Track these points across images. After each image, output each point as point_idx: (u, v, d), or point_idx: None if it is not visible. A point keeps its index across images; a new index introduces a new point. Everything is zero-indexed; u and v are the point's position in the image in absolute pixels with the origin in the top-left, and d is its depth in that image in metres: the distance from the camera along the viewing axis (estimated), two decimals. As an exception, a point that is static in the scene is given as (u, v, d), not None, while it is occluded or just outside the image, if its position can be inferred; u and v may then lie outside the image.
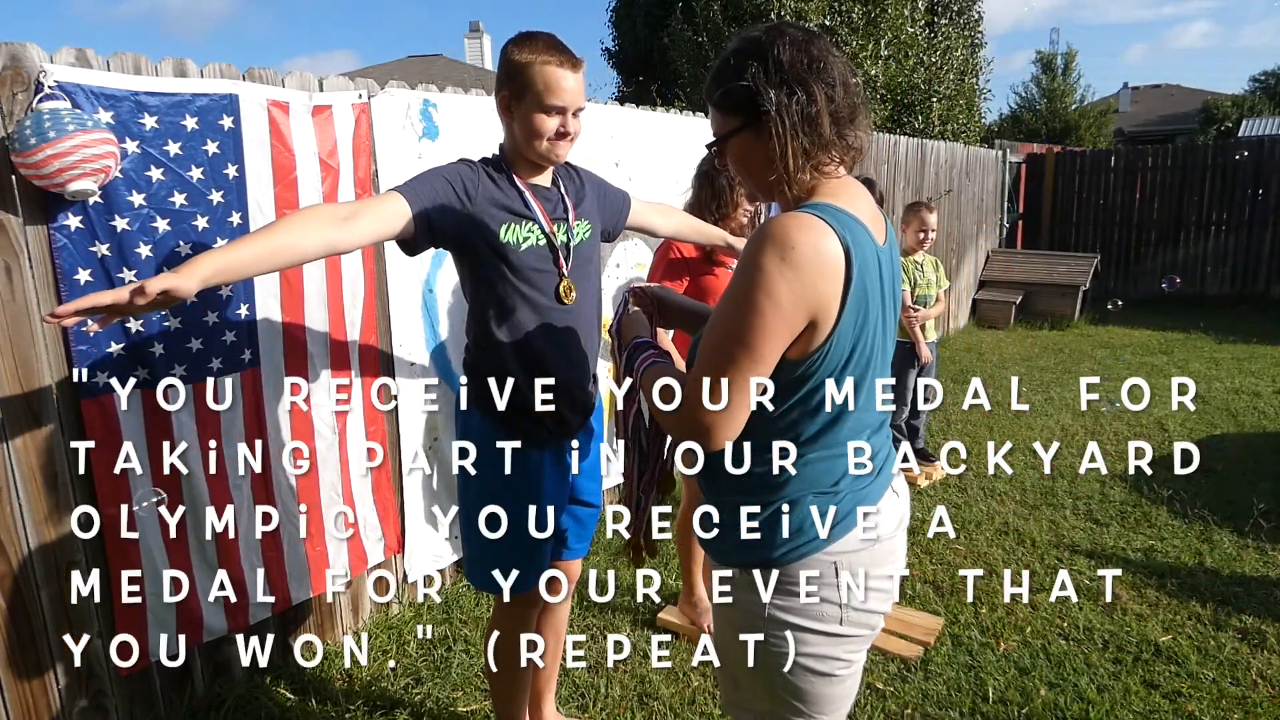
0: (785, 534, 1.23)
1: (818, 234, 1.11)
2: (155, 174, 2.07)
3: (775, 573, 1.23)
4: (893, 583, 1.30)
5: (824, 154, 1.19)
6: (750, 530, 1.25)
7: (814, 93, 1.17)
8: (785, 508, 1.23)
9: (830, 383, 1.18)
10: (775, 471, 1.23)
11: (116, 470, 2.07)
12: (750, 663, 1.27)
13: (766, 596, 1.24)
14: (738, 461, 1.25)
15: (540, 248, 1.77)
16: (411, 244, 1.66)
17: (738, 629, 1.27)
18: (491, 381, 1.79)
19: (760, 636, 1.25)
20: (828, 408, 1.19)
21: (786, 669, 1.25)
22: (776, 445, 1.22)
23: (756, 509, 1.24)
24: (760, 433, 1.21)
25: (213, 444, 2.28)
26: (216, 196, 2.20)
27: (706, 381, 1.14)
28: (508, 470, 1.81)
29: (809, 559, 1.22)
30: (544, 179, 1.82)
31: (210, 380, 2.24)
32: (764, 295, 1.10)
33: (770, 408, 1.19)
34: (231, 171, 2.22)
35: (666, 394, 1.19)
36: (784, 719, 1.30)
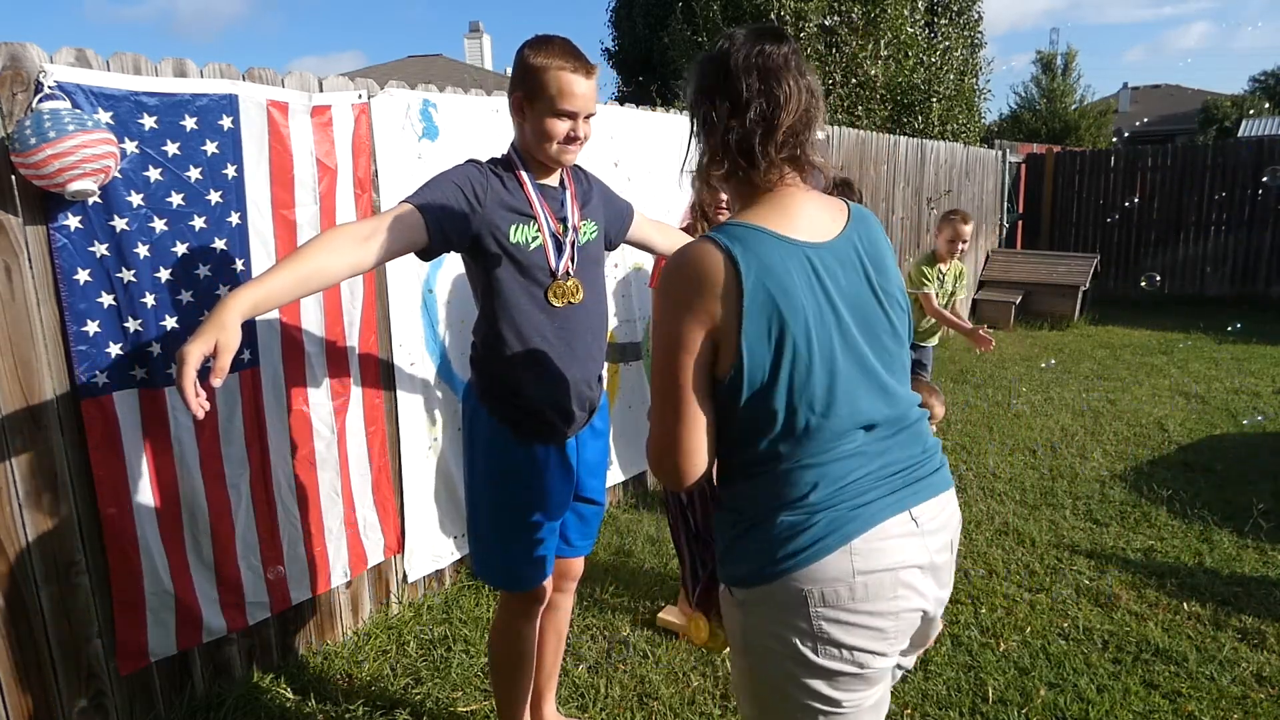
0: (749, 553, 1.19)
1: (693, 251, 1.15)
2: (154, 174, 2.07)
3: (744, 591, 1.20)
4: (890, 623, 1.17)
5: (735, 164, 1.21)
6: (725, 546, 1.24)
7: (719, 110, 1.19)
8: (748, 527, 1.20)
9: (767, 396, 1.14)
10: (739, 487, 1.22)
11: (116, 470, 2.09)
12: (739, 681, 1.27)
13: (741, 615, 1.22)
14: (719, 477, 1.27)
15: (548, 247, 1.79)
16: (427, 251, 1.68)
17: (732, 646, 1.26)
18: (498, 379, 1.80)
19: (743, 655, 1.23)
20: (774, 421, 1.15)
21: (767, 695, 1.21)
22: (737, 460, 1.22)
23: (730, 524, 1.24)
24: (726, 449, 1.22)
25: (212, 444, 2.28)
26: (215, 196, 2.20)
27: (655, 430, 1.19)
28: (513, 467, 1.83)
29: (776, 583, 1.16)
30: (552, 179, 1.84)
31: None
32: (661, 328, 1.16)
33: (725, 425, 1.19)
34: (230, 171, 2.22)
35: (647, 445, 1.23)
36: None
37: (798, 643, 1.15)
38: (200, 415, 1.31)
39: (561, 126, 1.72)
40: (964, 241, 4.23)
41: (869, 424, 1.19)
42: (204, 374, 1.32)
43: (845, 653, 1.15)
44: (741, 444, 1.19)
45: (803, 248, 1.17)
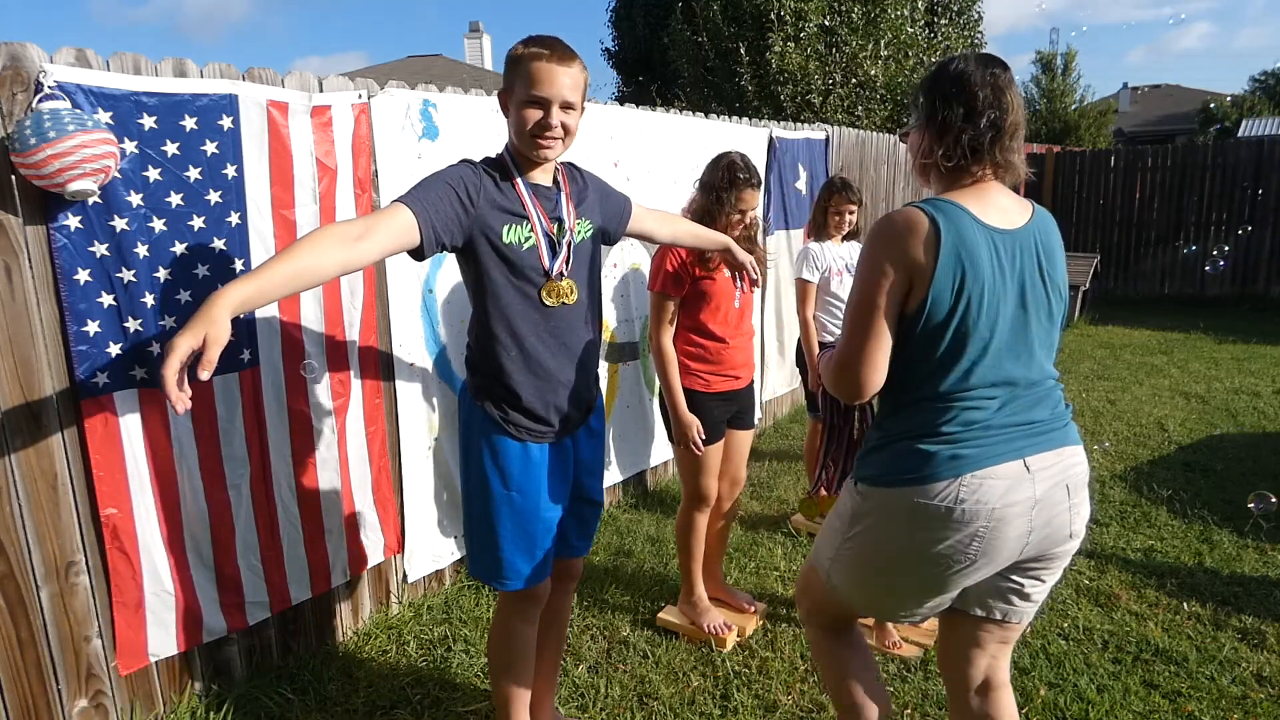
0: (881, 462, 1.51)
1: (905, 211, 1.43)
2: (153, 174, 2.07)
3: (866, 487, 1.53)
4: (977, 543, 1.42)
5: (950, 160, 1.47)
6: (865, 451, 1.57)
7: (952, 117, 1.46)
8: (887, 442, 1.51)
9: (936, 336, 1.42)
10: (891, 413, 1.53)
11: (116, 470, 2.09)
12: (842, 554, 1.60)
13: (860, 501, 1.55)
14: (882, 405, 1.57)
15: (541, 248, 1.78)
16: (420, 251, 1.67)
17: (841, 524, 1.60)
18: (493, 379, 1.80)
19: (846, 532, 1.58)
20: (933, 358, 1.44)
21: (863, 566, 1.57)
22: (895, 390, 1.51)
23: (875, 436, 1.56)
24: (891, 382, 1.50)
25: (212, 444, 2.28)
26: (214, 196, 2.20)
27: (845, 348, 1.48)
28: (509, 467, 1.83)
29: (893, 489, 1.47)
30: (545, 178, 1.83)
31: (209, 380, 2.24)
32: (868, 264, 1.44)
33: (895, 359, 1.48)
34: (230, 171, 2.22)
35: (827, 367, 1.56)
36: (840, 581, 1.62)
37: (899, 538, 1.48)
38: (180, 410, 1.29)
39: (533, 115, 1.70)
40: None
41: (1009, 381, 1.46)
42: (195, 372, 1.32)
43: (935, 558, 1.45)
44: (903, 376, 1.48)
45: (991, 231, 1.44)
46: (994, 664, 1.64)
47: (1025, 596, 1.57)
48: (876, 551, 1.53)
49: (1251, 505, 3.17)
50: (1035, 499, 1.44)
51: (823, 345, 3.39)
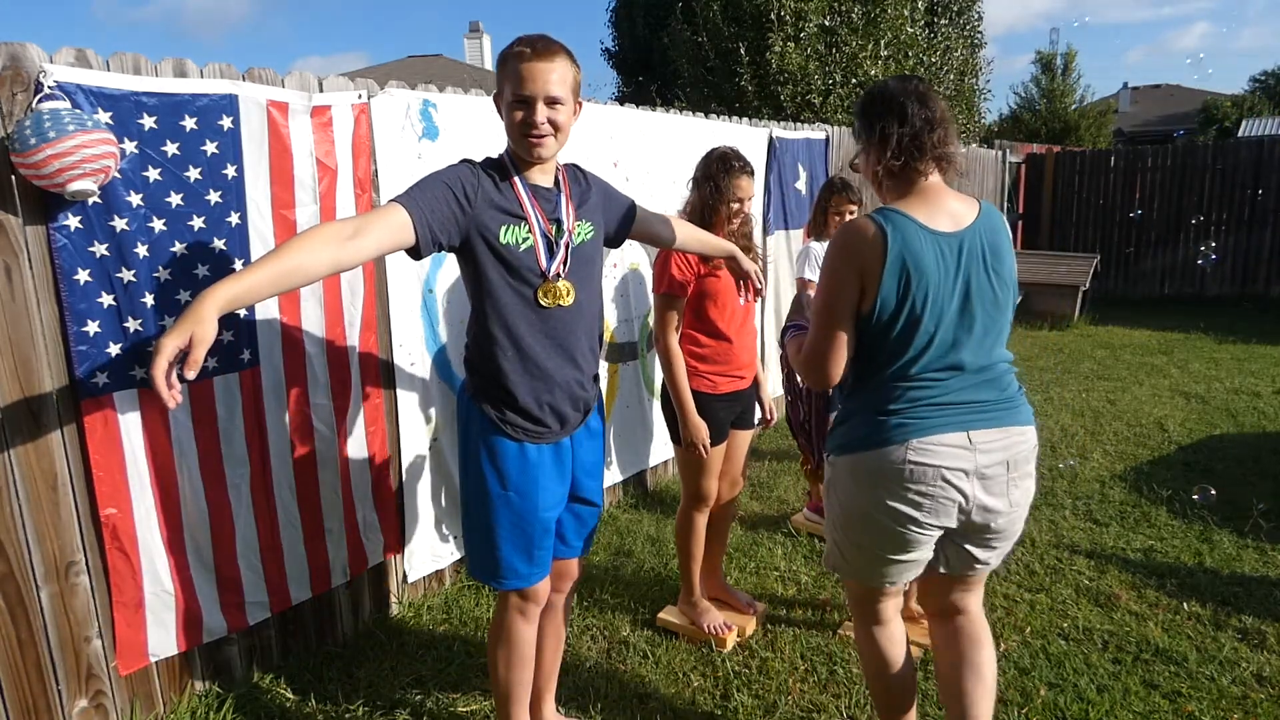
0: (843, 434, 1.74)
1: (858, 222, 1.63)
2: (153, 174, 2.07)
3: (834, 456, 1.77)
4: (928, 501, 1.64)
5: (898, 159, 1.65)
6: (833, 426, 1.81)
7: (890, 127, 1.66)
8: (848, 417, 1.75)
9: (887, 330, 1.62)
10: (853, 393, 1.76)
11: (116, 470, 2.09)
12: (827, 513, 1.85)
13: (831, 471, 1.79)
14: (847, 387, 1.78)
15: (539, 249, 1.78)
16: (416, 251, 1.67)
17: (824, 489, 1.85)
18: (491, 379, 1.80)
19: (827, 495, 1.82)
20: (884, 348, 1.64)
21: (844, 523, 1.78)
22: (857, 375, 1.73)
23: (841, 413, 1.79)
24: (853, 367, 1.72)
25: (212, 444, 2.28)
26: (214, 197, 2.20)
27: (811, 343, 1.70)
28: (507, 467, 1.83)
29: (853, 455, 1.70)
30: (546, 180, 1.82)
31: (209, 380, 2.24)
32: (827, 270, 1.66)
33: (856, 350, 1.69)
34: (230, 172, 2.22)
35: (795, 352, 1.83)
36: (834, 550, 1.85)
37: (862, 498, 1.70)
38: (172, 406, 1.33)
39: (519, 114, 1.70)
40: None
41: (955, 367, 1.65)
42: (202, 371, 1.32)
43: (891, 512, 1.66)
44: (863, 363, 1.70)
45: (937, 236, 1.62)
46: (963, 598, 1.88)
47: (983, 562, 1.79)
48: (851, 511, 1.74)
49: (1196, 496, 3.44)
50: (976, 467, 1.65)
51: (792, 325, 3.33)
